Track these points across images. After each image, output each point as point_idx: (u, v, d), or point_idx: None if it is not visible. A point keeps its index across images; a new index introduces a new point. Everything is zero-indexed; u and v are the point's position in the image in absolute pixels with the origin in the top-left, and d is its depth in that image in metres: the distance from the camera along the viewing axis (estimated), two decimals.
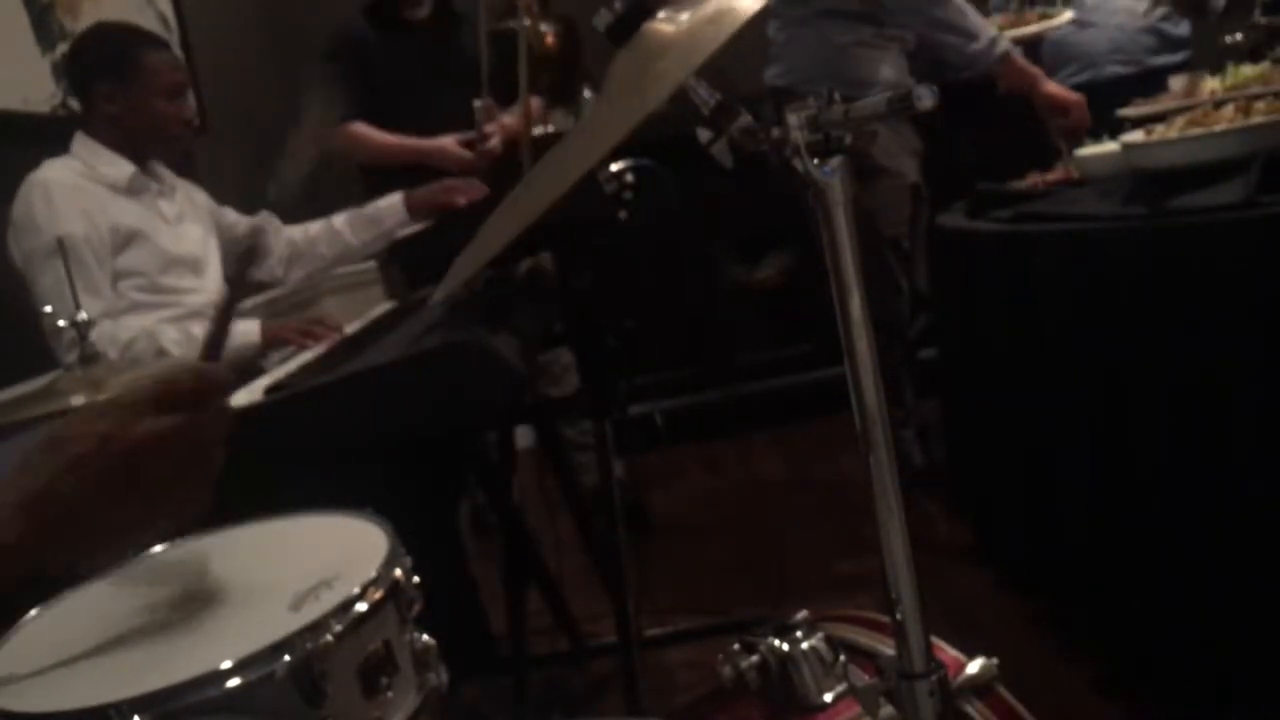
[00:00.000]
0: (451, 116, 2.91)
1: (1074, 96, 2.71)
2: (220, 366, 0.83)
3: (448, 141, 2.88)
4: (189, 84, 2.25)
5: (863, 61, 2.77)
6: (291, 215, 2.56)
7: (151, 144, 2.18)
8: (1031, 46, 3.11)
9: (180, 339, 2.03)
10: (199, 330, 2.06)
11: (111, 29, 2.36)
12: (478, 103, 2.85)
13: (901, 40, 2.86)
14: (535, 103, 3.02)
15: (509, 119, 2.86)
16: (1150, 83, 2.82)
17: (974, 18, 2.69)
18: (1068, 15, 2.84)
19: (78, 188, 2.05)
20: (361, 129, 2.97)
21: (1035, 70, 2.73)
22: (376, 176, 2.99)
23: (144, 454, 0.75)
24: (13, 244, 2.05)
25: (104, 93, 2.12)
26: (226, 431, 0.81)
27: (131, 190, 2.14)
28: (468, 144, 2.87)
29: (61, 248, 1.94)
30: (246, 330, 2.08)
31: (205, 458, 0.79)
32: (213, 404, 0.80)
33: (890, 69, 2.82)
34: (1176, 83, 2.52)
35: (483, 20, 2.83)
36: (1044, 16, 2.86)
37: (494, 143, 2.85)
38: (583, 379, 1.89)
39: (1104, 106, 2.83)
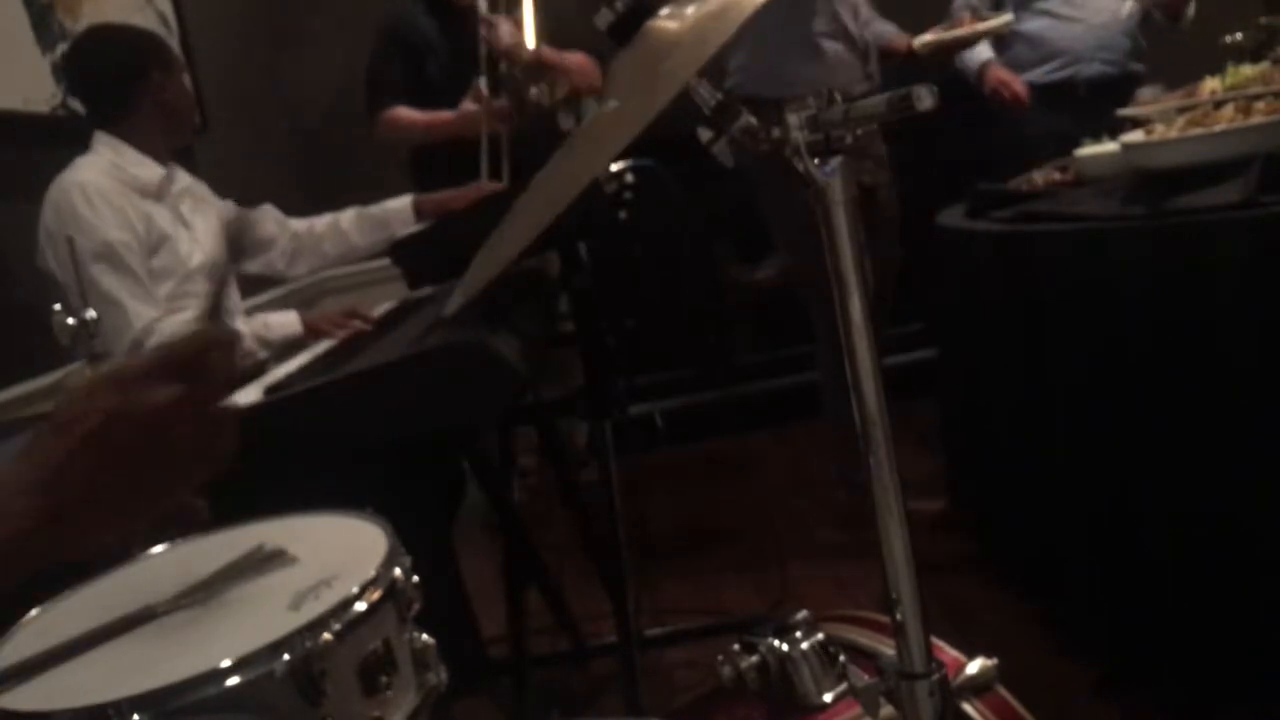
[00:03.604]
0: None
1: None
2: (221, 324, 0.80)
3: (470, 108, 2.92)
4: None
5: (792, 60, 2.67)
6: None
7: (187, 126, 2.25)
8: (998, 40, 3.17)
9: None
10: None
11: (124, 27, 2.41)
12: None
13: (846, 38, 2.74)
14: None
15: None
16: (1129, 84, 2.98)
17: None
18: (1007, 18, 2.97)
19: (113, 190, 2.05)
20: (399, 113, 2.99)
21: None
22: (423, 167, 3.05)
23: (155, 426, 0.72)
24: (47, 247, 2.02)
25: (158, 82, 2.15)
26: (235, 390, 0.77)
27: (159, 193, 2.15)
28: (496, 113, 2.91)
29: (113, 253, 1.96)
30: (287, 321, 2.10)
31: (217, 427, 0.76)
32: (220, 367, 0.77)
33: (819, 67, 2.68)
34: (1147, 93, 2.68)
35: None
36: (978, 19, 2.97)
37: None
38: (588, 379, 1.90)
39: (1090, 102, 2.91)
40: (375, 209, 2.49)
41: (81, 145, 2.15)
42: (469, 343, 1.50)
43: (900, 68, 2.89)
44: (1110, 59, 3.11)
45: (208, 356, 0.76)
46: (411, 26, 3.08)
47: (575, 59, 3.02)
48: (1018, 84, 3.13)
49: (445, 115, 2.99)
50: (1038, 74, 3.16)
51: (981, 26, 2.95)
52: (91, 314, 1.48)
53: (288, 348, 2.09)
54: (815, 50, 2.68)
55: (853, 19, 2.73)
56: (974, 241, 2.25)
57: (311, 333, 2.10)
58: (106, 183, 2.05)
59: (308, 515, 1.00)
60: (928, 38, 2.91)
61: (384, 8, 3.18)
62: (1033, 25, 3.15)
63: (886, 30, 2.93)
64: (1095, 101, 2.95)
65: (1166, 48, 3.07)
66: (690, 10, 0.82)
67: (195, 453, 0.75)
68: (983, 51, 3.21)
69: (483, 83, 2.93)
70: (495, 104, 2.92)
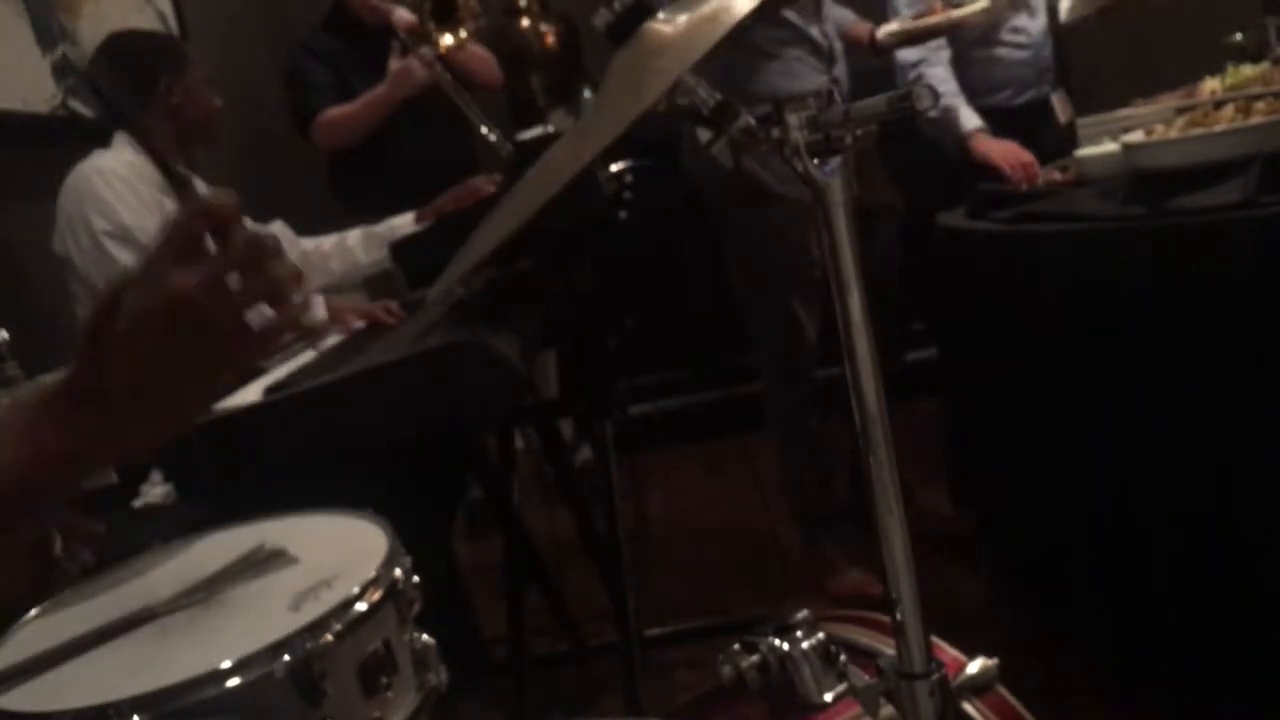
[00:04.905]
0: (426, 118, 2.93)
1: None
2: (216, 192, 0.71)
3: (398, 67, 2.90)
4: None
5: (759, 71, 2.50)
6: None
7: (202, 134, 2.26)
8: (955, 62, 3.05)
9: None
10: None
11: (139, 33, 2.48)
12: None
13: (808, 41, 2.57)
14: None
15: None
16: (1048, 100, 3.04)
17: None
18: (983, 3, 2.80)
19: (132, 178, 2.06)
20: (333, 112, 3.00)
21: None
22: (341, 172, 3.04)
23: (184, 312, 0.67)
24: (67, 231, 2.03)
25: (168, 84, 2.17)
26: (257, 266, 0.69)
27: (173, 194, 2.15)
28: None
29: (132, 236, 1.98)
30: (315, 303, 2.10)
31: (236, 316, 0.69)
32: (234, 235, 0.69)
33: (778, 76, 2.51)
34: (1059, 100, 2.94)
35: None
36: (950, 5, 2.83)
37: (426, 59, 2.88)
38: (563, 380, 1.90)
39: (1038, 124, 2.98)
40: (381, 227, 2.50)
41: (81, 147, 2.15)
42: (469, 343, 1.50)
43: (867, 69, 2.78)
44: (1049, 79, 3.13)
45: (220, 227, 0.69)
46: (325, 45, 3.10)
47: (475, 48, 3.03)
48: (1020, 152, 2.78)
49: (378, 89, 2.94)
50: (999, 99, 3.13)
51: (956, 14, 2.73)
52: (3, 335, 1.44)
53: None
54: (770, 58, 2.51)
55: (807, 21, 2.55)
56: (974, 241, 2.25)
57: (336, 319, 2.11)
58: (124, 170, 2.07)
59: (308, 515, 1.00)
60: (893, 27, 2.74)
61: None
62: (986, 54, 3.10)
63: (845, 17, 2.78)
64: (1034, 120, 2.98)
65: (1166, 48, 3.06)
66: (683, 17, 0.83)
67: (231, 334, 0.69)
68: (969, 118, 2.86)
69: (398, 44, 2.91)
70: (420, 52, 2.88)
